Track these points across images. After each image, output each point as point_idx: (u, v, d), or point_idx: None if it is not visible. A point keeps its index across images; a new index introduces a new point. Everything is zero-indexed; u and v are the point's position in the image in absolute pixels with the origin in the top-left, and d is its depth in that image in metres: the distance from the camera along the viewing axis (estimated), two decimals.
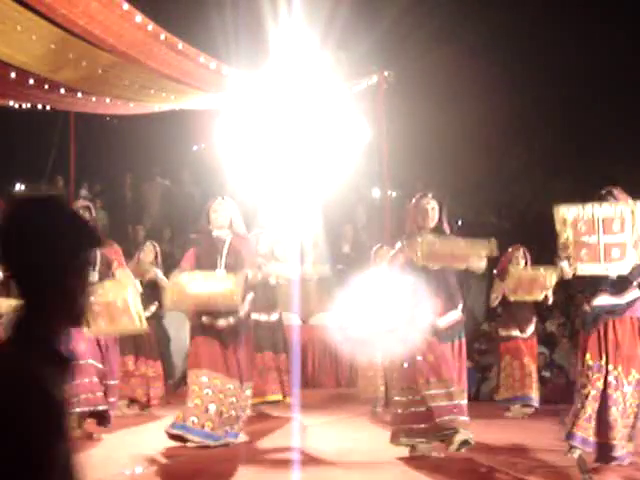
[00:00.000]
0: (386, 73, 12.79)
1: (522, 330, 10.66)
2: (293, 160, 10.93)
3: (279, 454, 7.32)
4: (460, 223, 14.68)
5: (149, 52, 9.78)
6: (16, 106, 12.28)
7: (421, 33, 17.70)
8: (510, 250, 10.71)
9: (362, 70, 12.97)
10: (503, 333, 10.80)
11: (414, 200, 7.65)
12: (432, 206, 7.53)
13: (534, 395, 10.52)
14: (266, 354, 10.11)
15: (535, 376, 10.67)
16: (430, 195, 7.62)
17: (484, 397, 11.92)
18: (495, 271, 10.61)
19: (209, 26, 14.29)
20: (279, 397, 10.03)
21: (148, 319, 9.03)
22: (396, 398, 7.26)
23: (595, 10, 17.83)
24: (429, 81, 17.64)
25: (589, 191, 7.13)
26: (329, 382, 13.56)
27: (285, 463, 6.78)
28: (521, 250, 10.69)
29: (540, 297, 10.15)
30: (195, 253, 8.22)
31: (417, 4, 17.76)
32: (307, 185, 10.77)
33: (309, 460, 6.85)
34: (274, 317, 10.30)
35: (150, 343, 10.81)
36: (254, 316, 9.03)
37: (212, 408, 7.63)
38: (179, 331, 14.07)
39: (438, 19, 18.29)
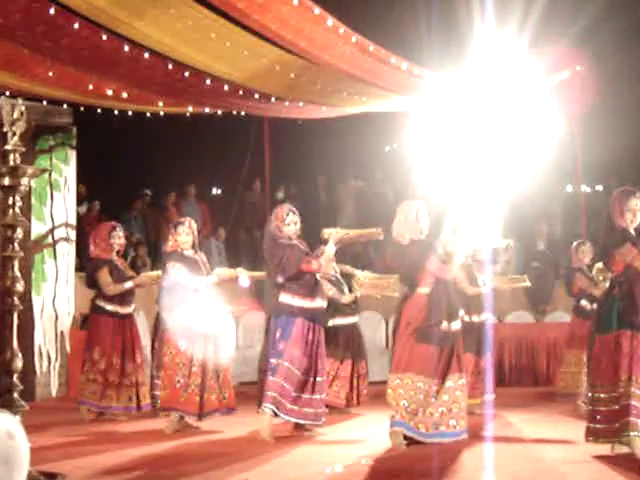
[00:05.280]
0: (578, 68, 12.48)
1: None
2: (484, 160, 10.81)
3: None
4: None
5: (341, 55, 9.85)
6: (210, 113, 12.59)
7: (618, 28, 17.18)
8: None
9: (557, 65, 12.68)
10: None
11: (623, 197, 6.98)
12: None
13: None
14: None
15: None
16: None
17: None
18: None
19: (402, 27, 14.29)
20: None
21: None
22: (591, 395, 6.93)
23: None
24: (628, 77, 17.11)
25: None
26: (527, 380, 13.52)
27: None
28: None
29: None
30: None
31: None
32: (499, 184, 10.60)
33: (506, 457, 6.85)
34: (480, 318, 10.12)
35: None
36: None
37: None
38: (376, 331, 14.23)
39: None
